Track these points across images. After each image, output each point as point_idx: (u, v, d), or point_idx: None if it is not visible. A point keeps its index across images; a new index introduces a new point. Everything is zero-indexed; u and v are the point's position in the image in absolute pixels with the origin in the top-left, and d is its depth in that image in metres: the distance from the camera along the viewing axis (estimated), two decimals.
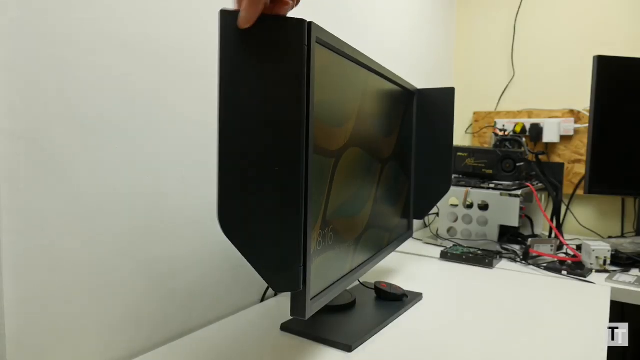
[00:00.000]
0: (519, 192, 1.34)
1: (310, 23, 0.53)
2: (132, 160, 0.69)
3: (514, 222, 1.33)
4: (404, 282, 1.03)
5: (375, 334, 0.79)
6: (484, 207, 1.38)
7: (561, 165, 1.71)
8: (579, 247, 1.28)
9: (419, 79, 1.61)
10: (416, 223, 1.40)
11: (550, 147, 1.77)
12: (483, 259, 1.23)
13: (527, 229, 1.51)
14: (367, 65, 0.78)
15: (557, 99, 1.76)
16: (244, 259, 0.53)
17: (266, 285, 0.96)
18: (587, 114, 1.54)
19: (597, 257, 1.18)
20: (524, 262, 1.25)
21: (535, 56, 1.81)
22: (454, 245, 1.37)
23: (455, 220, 1.43)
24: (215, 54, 0.51)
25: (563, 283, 1.10)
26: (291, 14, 0.53)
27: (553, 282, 1.11)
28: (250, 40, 0.52)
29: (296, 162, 0.53)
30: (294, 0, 0.53)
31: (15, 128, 0.55)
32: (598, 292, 1.04)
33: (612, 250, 1.21)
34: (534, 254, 1.26)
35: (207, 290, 0.84)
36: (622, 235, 1.63)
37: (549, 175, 1.47)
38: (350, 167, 0.73)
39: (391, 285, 0.95)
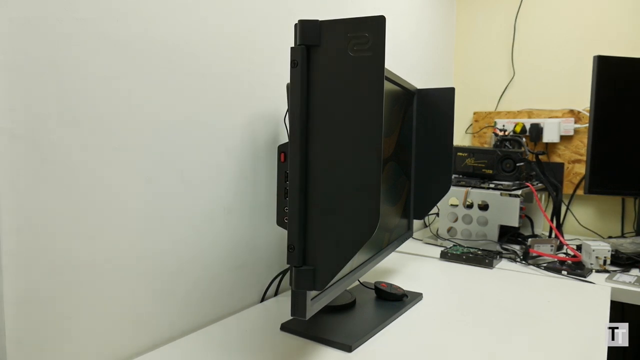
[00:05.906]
0: (519, 192, 1.34)
1: None
2: (132, 160, 0.69)
3: (514, 222, 1.33)
4: (404, 282, 1.03)
5: (375, 334, 0.79)
6: (484, 207, 1.38)
7: (561, 165, 1.71)
8: (579, 247, 1.28)
9: (419, 79, 1.61)
10: (416, 223, 1.40)
11: (550, 147, 1.77)
12: (483, 259, 1.23)
13: (527, 229, 1.51)
14: None
15: (557, 99, 1.76)
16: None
17: (266, 285, 0.96)
18: (587, 114, 1.54)
19: (597, 257, 1.18)
20: (524, 262, 1.25)
21: (535, 56, 1.81)
22: (454, 245, 1.37)
23: (455, 220, 1.43)
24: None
25: (563, 283, 1.10)
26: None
27: (553, 282, 1.11)
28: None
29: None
30: None
31: (15, 128, 0.55)
32: (598, 292, 1.04)
33: (612, 250, 1.20)
34: (534, 254, 1.26)
35: (208, 290, 0.84)
36: (622, 235, 1.63)
37: (549, 175, 1.47)
38: None
39: (391, 285, 0.95)
